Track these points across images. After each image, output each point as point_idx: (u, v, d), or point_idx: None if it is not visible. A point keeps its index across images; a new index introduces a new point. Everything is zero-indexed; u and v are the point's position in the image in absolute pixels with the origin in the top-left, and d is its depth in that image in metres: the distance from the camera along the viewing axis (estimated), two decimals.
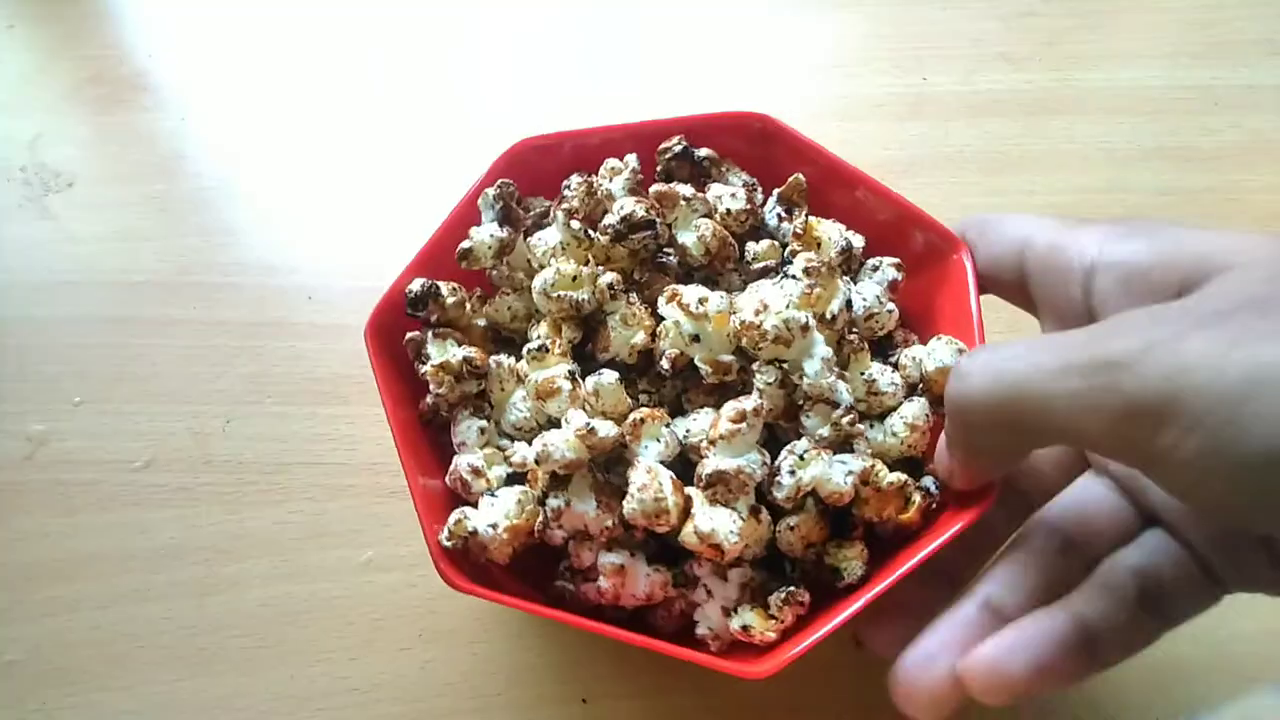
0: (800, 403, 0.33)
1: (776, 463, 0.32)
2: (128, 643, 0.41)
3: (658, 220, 0.35)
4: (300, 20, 0.61)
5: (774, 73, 0.59)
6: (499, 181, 0.36)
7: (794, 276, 0.34)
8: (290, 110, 0.57)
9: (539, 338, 0.35)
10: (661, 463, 0.32)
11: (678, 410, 0.35)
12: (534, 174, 0.40)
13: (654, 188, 0.36)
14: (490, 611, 0.41)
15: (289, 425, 0.46)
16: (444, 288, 0.36)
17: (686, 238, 0.36)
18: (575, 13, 0.61)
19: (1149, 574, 0.27)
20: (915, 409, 0.34)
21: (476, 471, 0.34)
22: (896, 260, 0.37)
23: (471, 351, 0.35)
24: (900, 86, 0.57)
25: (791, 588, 0.32)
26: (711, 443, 0.31)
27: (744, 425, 0.31)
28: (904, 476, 0.33)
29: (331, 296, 0.50)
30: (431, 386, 0.35)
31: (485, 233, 0.36)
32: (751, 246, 0.37)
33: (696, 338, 0.33)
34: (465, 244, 0.36)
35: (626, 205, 0.35)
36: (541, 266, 0.36)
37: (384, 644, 0.41)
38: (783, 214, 0.39)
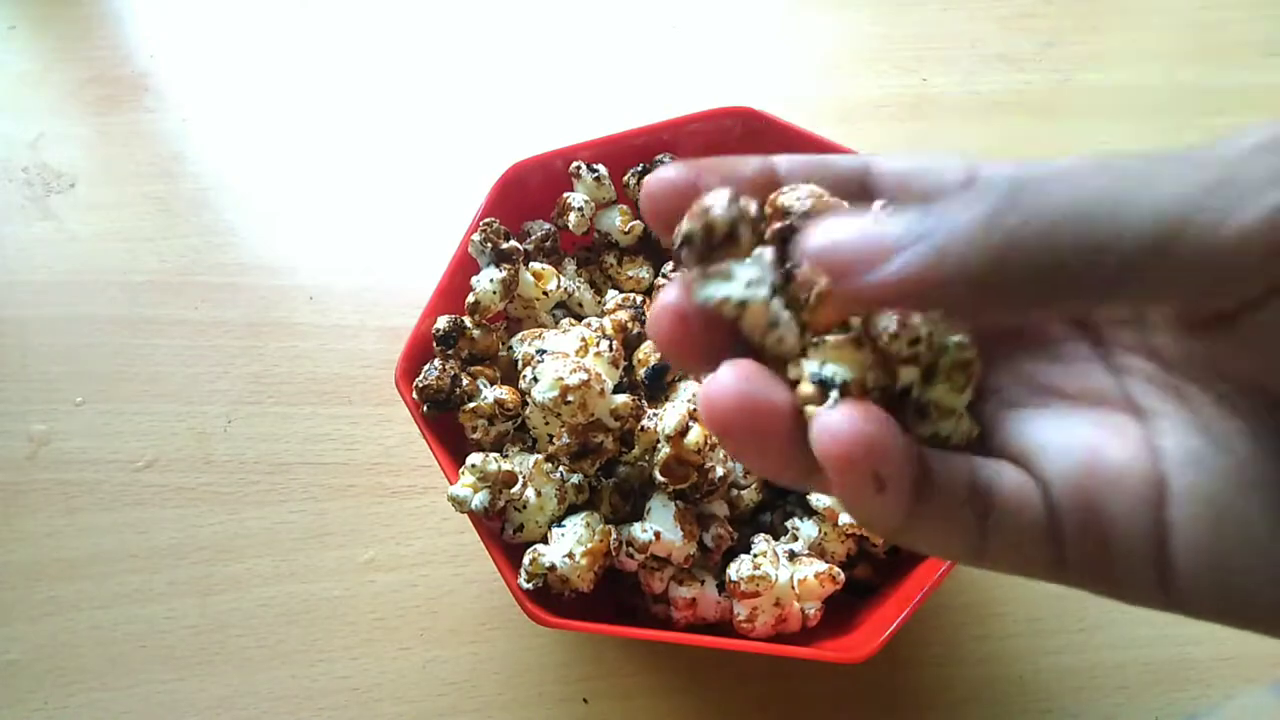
0: None
1: None
2: (129, 642, 0.41)
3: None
4: (301, 21, 0.61)
5: (774, 74, 0.59)
6: (482, 224, 0.37)
7: None
8: (291, 111, 0.57)
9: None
10: None
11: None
12: (530, 194, 0.41)
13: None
14: (490, 612, 0.41)
15: (290, 425, 0.46)
16: (469, 321, 0.36)
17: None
18: (576, 16, 0.61)
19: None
20: None
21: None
22: None
23: (503, 392, 0.35)
24: (900, 87, 0.57)
25: None
26: None
27: None
28: None
29: (332, 297, 0.50)
30: (467, 431, 0.35)
31: (485, 279, 0.36)
32: None
33: None
34: (471, 298, 0.36)
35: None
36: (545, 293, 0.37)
37: (385, 644, 0.41)
38: None
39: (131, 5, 0.61)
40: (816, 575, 0.33)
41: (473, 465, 0.33)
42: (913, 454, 0.17)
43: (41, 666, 0.40)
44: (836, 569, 0.34)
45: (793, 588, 0.33)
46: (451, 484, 0.33)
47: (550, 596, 0.33)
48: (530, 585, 0.32)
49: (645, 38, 0.60)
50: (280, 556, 0.43)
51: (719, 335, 0.18)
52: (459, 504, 0.33)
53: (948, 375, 0.18)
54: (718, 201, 0.17)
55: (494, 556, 0.33)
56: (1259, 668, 0.41)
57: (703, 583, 0.34)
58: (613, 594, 0.36)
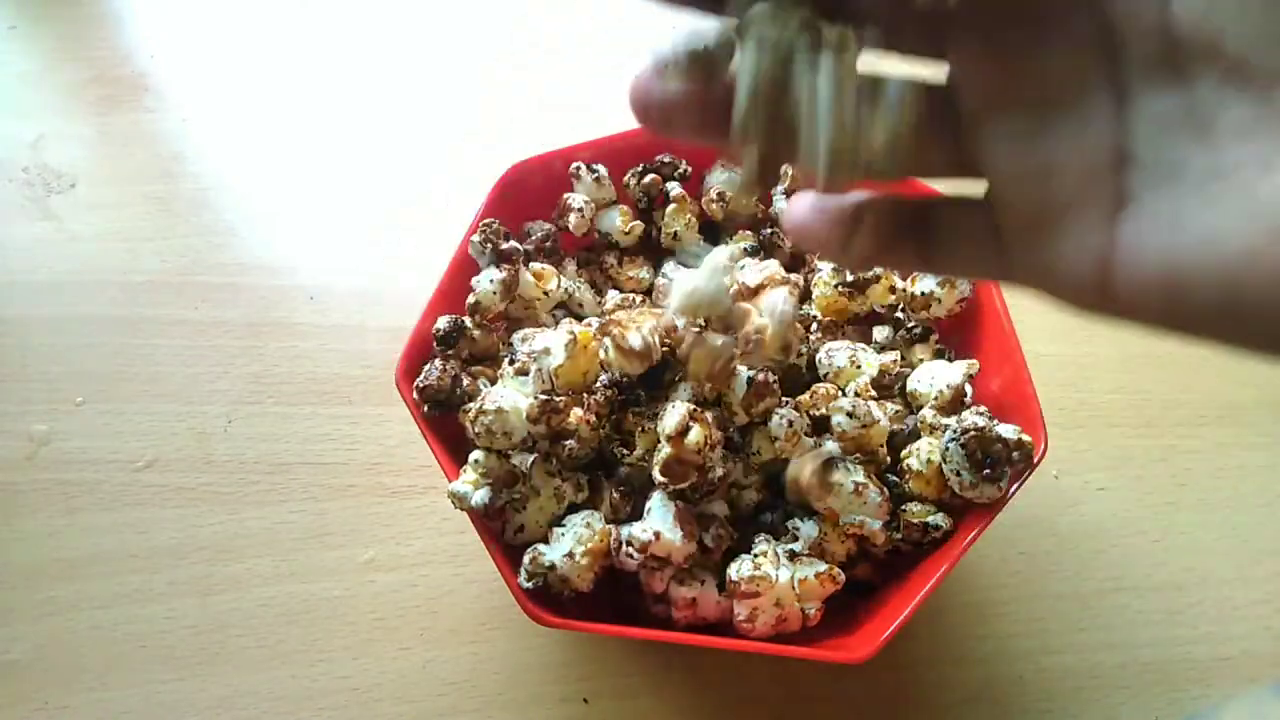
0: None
1: None
2: (129, 642, 0.41)
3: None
4: (301, 22, 0.61)
5: None
6: (482, 224, 0.37)
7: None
8: (291, 111, 0.57)
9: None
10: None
11: None
12: (530, 195, 0.41)
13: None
14: (490, 612, 0.41)
15: (290, 425, 0.46)
16: (470, 321, 0.36)
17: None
18: (576, 16, 0.61)
19: None
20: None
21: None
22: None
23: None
24: None
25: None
26: None
27: None
28: None
29: (332, 297, 0.50)
30: (468, 431, 0.35)
31: (486, 280, 0.37)
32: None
33: None
34: (471, 298, 0.37)
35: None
36: (546, 294, 0.38)
37: (385, 644, 0.41)
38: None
39: (131, 5, 0.61)
40: (817, 575, 0.33)
41: (476, 461, 0.33)
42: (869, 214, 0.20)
43: (41, 666, 0.40)
44: (836, 569, 0.34)
45: (793, 588, 0.33)
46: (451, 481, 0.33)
47: (550, 596, 0.33)
48: (530, 584, 0.32)
49: (645, 38, 0.60)
50: (280, 556, 0.43)
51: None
52: (459, 500, 0.33)
53: (885, 113, 0.20)
54: None
55: (494, 556, 0.33)
56: (1259, 668, 0.41)
57: (703, 583, 0.34)
58: (613, 594, 0.36)
